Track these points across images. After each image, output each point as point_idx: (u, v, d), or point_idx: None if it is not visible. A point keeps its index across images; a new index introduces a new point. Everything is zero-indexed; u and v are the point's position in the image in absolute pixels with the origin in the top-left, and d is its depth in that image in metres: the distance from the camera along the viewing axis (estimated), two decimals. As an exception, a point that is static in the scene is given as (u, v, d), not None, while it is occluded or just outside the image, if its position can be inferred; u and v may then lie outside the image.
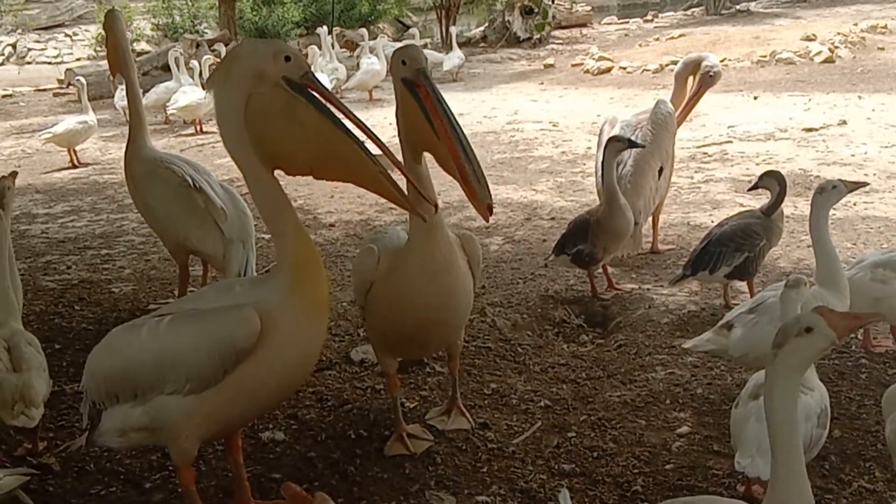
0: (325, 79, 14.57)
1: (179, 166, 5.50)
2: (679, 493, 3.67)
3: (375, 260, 3.82)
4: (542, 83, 17.54)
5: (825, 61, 16.43)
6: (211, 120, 4.03)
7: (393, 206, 3.25)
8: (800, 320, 2.44)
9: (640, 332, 5.42)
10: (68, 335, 5.58)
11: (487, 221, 3.74)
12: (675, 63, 16.40)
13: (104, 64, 19.03)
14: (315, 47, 16.48)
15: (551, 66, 19.65)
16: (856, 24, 19.13)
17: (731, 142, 10.80)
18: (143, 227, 7.66)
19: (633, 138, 6.09)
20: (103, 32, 6.59)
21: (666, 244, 7.03)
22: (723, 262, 5.39)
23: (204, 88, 11.12)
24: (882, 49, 17.37)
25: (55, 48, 27.52)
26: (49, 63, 25.95)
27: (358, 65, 16.80)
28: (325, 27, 17.87)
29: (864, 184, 5.16)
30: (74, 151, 11.95)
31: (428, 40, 23.66)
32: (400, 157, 3.48)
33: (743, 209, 6.48)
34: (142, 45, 25.44)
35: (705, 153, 10.24)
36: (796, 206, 7.48)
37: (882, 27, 18.94)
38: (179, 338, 3.14)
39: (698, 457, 3.95)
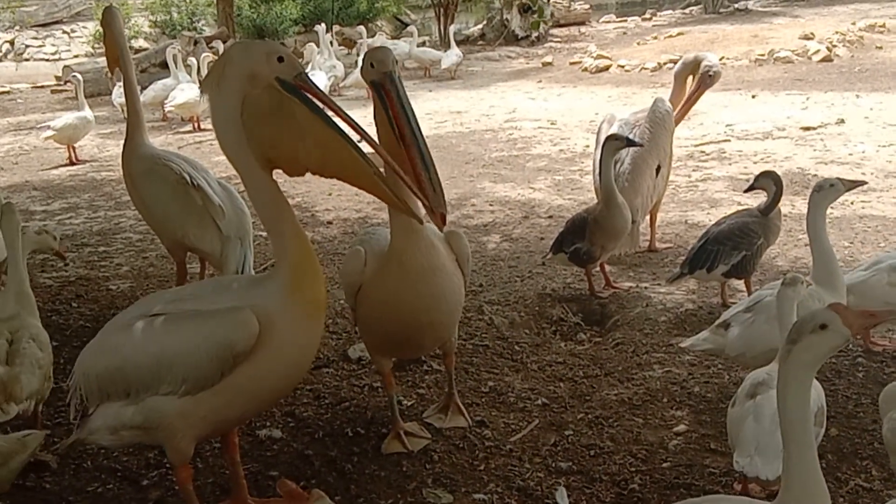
0: (323, 76, 14.57)
1: (177, 163, 5.49)
2: (676, 491, 3.67)
3: (362, 263, 3.81)
4: (541, 81, 17.54)
5: (823, 60, 16.44)
6: (209, 117, 4.07)
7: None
8: (815, 317, 2.43)
9: (638, 330, 5.43)
10: (65, 332, 5.58)
11: (441, 231, 3.67)
12: (673, 61, 16.48)
13: (102, 61, 19.07)
14: (313, 45, 16.47)
15: (549, 64, 19.65)
16: (854, 23, 19.13)
17: (729, 140, 10.81)
18: (141, 224, 7.65)
19: (631, 137, 6.09)
20: (101, 29, 6.57)
21: (664, 243, 7.03)
22: (720, 261, 5.39)
23: (200, 90, 11.19)
24: (880, 48, 17.37)
25: (53, 45, 27.46)
26: (47, 60, 25.89)
27: (356, 62, 16.79)
28: (323, 25, 17.87)
29: (863, 182, 5.16)
30: (73, 148, 11.94)
31: (426, 38, 23.65)
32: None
33: (741, 208, 6.49)
34: (139, 42, 25.39)
35: (703, 152, 10.25)
36: (794, 205, 7.49)
37: (880, 26, 18.95)
38: (177, 340, 3.13)
39: (695, 455, 3.96)
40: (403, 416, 4.26)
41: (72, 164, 11.77)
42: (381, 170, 3.14)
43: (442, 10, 23.65)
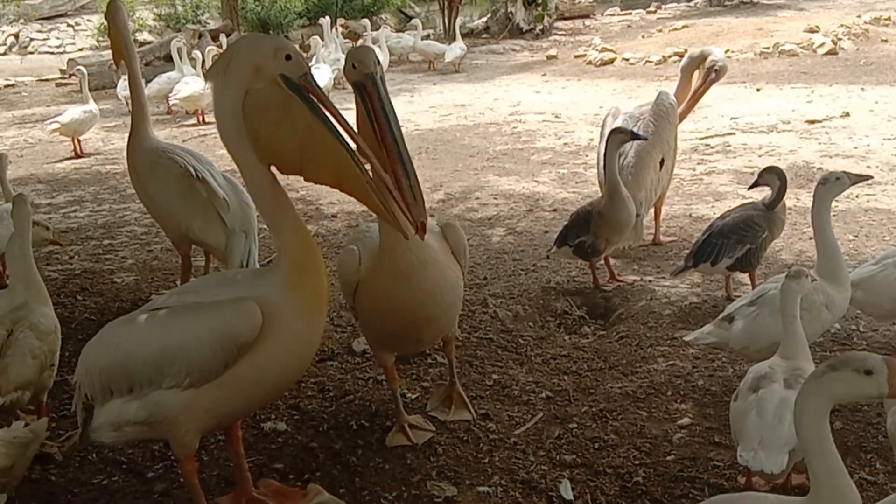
0: (327, 69, 14.56)
1: (182, 156, 5.49)
2: (680, 484, 3.68)
3: (357, 261, 3.80)
4: (545, 74, 17.51)
5: (828, 53, 16.40)
6: (213, 111, 4.04)
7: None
8: (867, 360, 2.36)
9: (642, 323, 5.43)
10: (70, 325, 5.58)
11: (423, 239, 3.48)
12: (678, 55, 16.49)
13: (106, 54, 19.09)
14: (317, 38, 16.46)
15: (554, 57, 19.62)
16: (859, 16, 19.06)
17: (733, 133, 10.79)
18: (146, 217, 7.67)
19: (635, 130, 6.08)
20: (105, 22, 6.57)
21: (668, 236, 7.03)
22: (724, 254, 5.39)
23: (205, 79, 11.19)
24: (885, 41, 17.31)
25: (58, 38, 27.47)
26: (51, 53, 25.91)
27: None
28: (327, 18, 17.87)
29: (869, 177, 5.14)
30: (78, 141, 11.96)
31: (430, 31, 23.62)
32: None
33: (745, 201, 6.48)
34: (144, 35, 25.39)
35: (708, 145, 10.23)
36: (798, 199, 7.48)
37: (885, 19, 18.87)
38: (180, 331, 3.14)
39: (699, 448, 3.96)
40: (407, 409, 4.27)
41: (77, 157, 11.79)
42: (375, 180, 3.10)
43: (446, 2, 23.58)
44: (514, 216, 7.91)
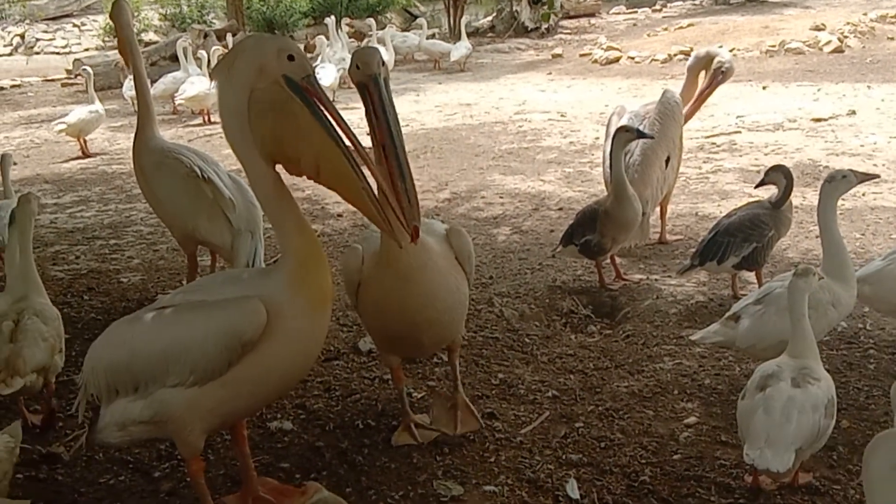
0: (332, 69, 14.56)
1: (188, 156, 5.50)
2: (687, 483, 3.67)
3: (359, 261, 3.79)
4: (550, 73, 17.51)
5: (834, 51, 16.37)
6: (217, 109, 4.03)
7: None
8: None
9: (648, 322, 5.42)
10: (77, 325, 5.60)
11: (415, 243, 3.42)
12: (683, 53, 16.49)
13: (112, 54, 19.14)
14: (323, 38, 16.46)
15: (559, 55, 19.61)
16: (865, 14, 19.02)
17: (739, 132, 10.77)
18: (152, 217, 7.67)
19: (641, 128, 6.08)
20: (111, 22, 6.59)
21: (674, 234, 7.02)
22: (731, 253, 5.39)
23: (210, 78, 11.22)
24: (892, 39, 17.28)
25: (63, 38, 27.52)
26: (57, 53, 25.94)
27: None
28: (332, 17, 17.86)
29: (875, 176, 5.13)
30: (84, 141, 11.98)
31: (436, 30, 23.62)
32: None
33: (751, 199, 6.47)
34: (150, 35, 25.44)
35: (714, 143, 10.22)
36: (805, 197, 7.46)
37: (892, 17, 18.81)
38: (185, 329, 3.14)
39: (706, 447, 3.95)
40: (413, 409, 4.26)
41: (85, 156, 11.81)
42: (372, 186, 3.08)
43: (452, 1, 23.60)
44: (520, 215, 7.91)
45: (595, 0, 26.36)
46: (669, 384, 4.57)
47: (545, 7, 22.50)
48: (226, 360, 3.08)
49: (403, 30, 23.68)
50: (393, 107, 3.37)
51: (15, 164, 7.84)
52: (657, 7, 26.38)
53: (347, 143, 3.05)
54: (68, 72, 19.62)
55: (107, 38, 25.42)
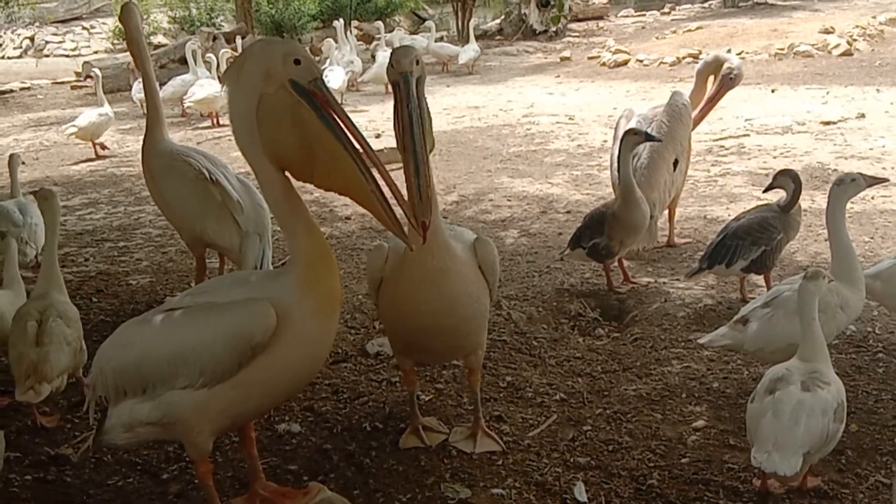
0: (341, 72, 14.57)
1: (196, 159, 5.51)
2: (695, 486, 3.66)
3: (384, 258, 3.78)
4: (559, 76, 17.51)
5: (843, 54, 16.34)
6: (227, 113, 4.05)
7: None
8: None
9: (656, 325, 5.41)
10: (86, 327, 5.55)
11: (423, 243, 3.41)
12: (692, 56, 16.49)
13: (122, 56, 19.21)
14: (331, 40, 16.48)
15: (567, 58, 19.61)
16: (874, 17, 18.99)
17: (748, 135, 10.76)
18: (161, 219, 7.69)
19: (649, 131, 6.07)
20: (120, 25, 6.62)
21: (682, 237, 7.01)
22: (739, 256, 5.37)
23: (220, 82, 11.22)
24: (901, 42, 17.25)
25: (73, 41, 27.62)
26: (67, 56, 26.04)
27: (373, 57, 16.80)
28: (341, 20, 17.88)
29: (885, 179, 5.11)
30: (95, 143, 12.01)
31: (444, 33, 23.65)
32: None
33: (760, 202, 6.46)
34: (159, 38, 25.51)
35: (722, 146, 10.20)
36: (814, 200, 7.45)
37: (901, 20, 18.82)
38: (194, 331, 3.15)
39: (714, 451, 3.94)
40: (421, 411, 4.26)
41: (97, 157, 11.86)
42: (383, 186, 3.07)
43: (460, 4, 23.62)
44: (528, 218, 7.90)
45: (603, 3, 26.37)
46: (677, 387, 4.57)
47: (554, 10, 22.53)
48: (235, 363, 3.09)
49: (412, 33, 23.74)
50: (419, 104, 3.39)
51: (23, 163, 7.90)
52: (666, 10, 26.38)
53: (356, 145, 3.05)
54: (77, 74, 19.69)
55: (116, 41, 25.49)
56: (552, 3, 22.62)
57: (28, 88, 19.95)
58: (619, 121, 6.88)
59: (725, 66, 6.86)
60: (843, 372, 4.47)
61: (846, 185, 4.52)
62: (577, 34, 23.26)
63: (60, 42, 27.58)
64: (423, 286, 3.64)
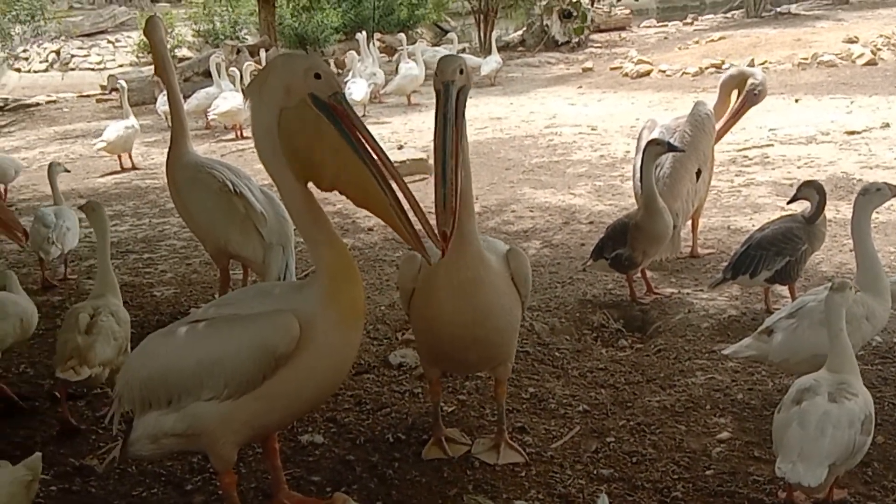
0: (363, 84, 14.61)
1: (220, 171, 5.55)
2: (719, 499, 3.64)
3: (416, 268, 3.79)
4: (581, 87, 17.49)
5: (867, 63, 16.23)
6: (251, 125, 4.08)
7: (433, 211, 3.22)
8: None
9: (680, 336, 5.39)
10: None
11: (442, 256, 3.34)
12: (715, 66, 16.45)
13: (146, 70, 19.35)
14: (354, 53, 16.55)
15: (590, 69, 19.58)
16: (899, 26, 18.88)
17: (772, 145, 10.71)
18: (185, 231, 7.74)
19: (672, 142, 6.05)
20: (145, 39, 6.70)
21: (706, 248, 6.98)
22: (763, 266, 5.35)
23: (244, 95, 11.33)
24: (926, 51, 17.12)
25: (98, 54, 27.81)
26: (92, 69, 26.20)
27: (396, 69, 16.85)
28: (364, 32, 17.95)
29: (910, 188, 5.08)
30: (121, 157, 12.09)
31: (466, 45, 23.68)
32: None
33: (784, 213, 6.42)
34: (183, 52, 25.64)
35: (746, 156, 10.16)
36: (839, 210, 7.40)
37: (926, 29, 18.67)
38: (219, 343, 3.17)
39: (739, 463, 3.92)
40: (444, 422, 4.26)
41: (124, 170, 11.95)
42: (402, 200, 3.08)
43: (482, 16, 23.66)
44: (550, 229, 7.90)
45: (625, 14, 26.34)
46: (702, 399, 4.54)
47: (577, 21, 22.52)
48: (260, 374, 3.11)
49: (434, 45, 23.76)
50: (456, 114, 3.39)
51: (67, 170, 8.10)
52: (688, 20, 26.30)
53: (375, 159, 3.07)
54: (103, 87, 19.84)
55: (140, 55, 25.66)
56: (575, 14, 22.62)
57: (54, 102, 20.14)
58: (642, 131, 6.87)
59: (750, 81, 6.83)
60: (869, 383, 4.43)
61: (871, 195, 4.49)
62: (599, 45, 23.23)
63: (86, 56, 27.77)
64: (455, 297, 3.63)
